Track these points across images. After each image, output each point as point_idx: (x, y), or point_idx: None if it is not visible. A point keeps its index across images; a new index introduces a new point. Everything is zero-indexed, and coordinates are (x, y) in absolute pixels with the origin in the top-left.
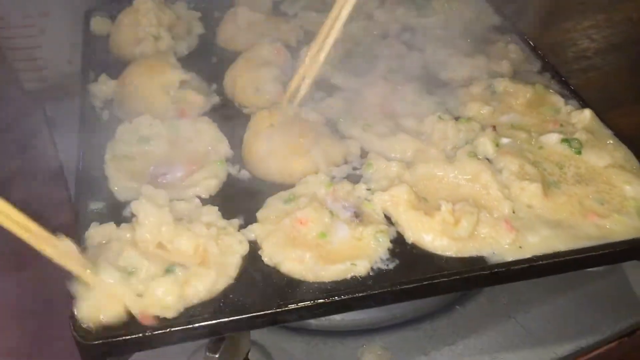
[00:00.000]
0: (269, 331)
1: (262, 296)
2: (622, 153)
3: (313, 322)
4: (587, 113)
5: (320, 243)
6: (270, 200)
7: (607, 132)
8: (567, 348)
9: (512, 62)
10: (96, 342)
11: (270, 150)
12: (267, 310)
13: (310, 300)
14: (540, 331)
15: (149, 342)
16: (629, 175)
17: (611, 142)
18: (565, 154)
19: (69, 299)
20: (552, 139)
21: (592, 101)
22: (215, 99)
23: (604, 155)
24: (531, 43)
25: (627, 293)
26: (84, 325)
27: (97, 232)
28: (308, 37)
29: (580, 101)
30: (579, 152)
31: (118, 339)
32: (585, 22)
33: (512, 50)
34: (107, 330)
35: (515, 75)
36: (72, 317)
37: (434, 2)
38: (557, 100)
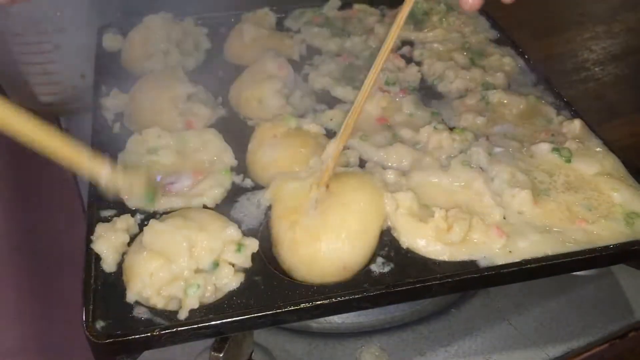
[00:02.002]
0: (272, 333)
1: (264, 298)
2: (610, 161)
3: (314, 324)
4: (577, 123)
5: None
6: None
7: (597, 141)
8: (559, 349)
9: (506, 74)
10: (107, 340)
11: (273, 159)
12: (268, 311)
13: (309, 302)
14: (533, 333)
15: (157, 341)
16: (617, 183)
17: (601, 150)
18: (555, 162)
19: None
20: (543, 148)
21: (591, 111)
22: (221, 112)
23: (593, 163)
24: (526, 56)
25: (619, 296)
26: (96, 326)
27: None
28: (310, 51)
29: (572, 112)
30: (569, 161)
31: (128, 337)
32: (584, 33)
33: (507, 63)
34: (118, 330)
35: (510, 87)
36: (84, 317)
37: (432, 17)
38: (549, 111)
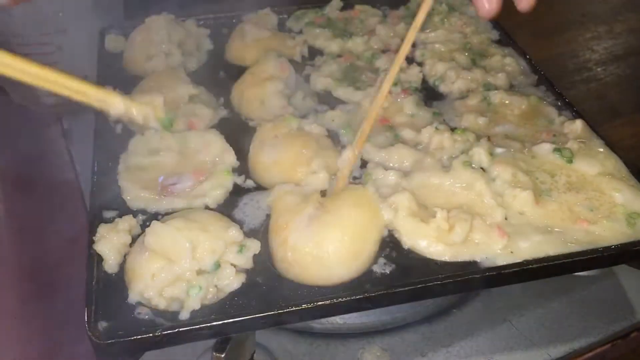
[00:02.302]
0: (273, 333)
1: (266, 298)
2: (612, 162)
3: (316, 325)
4: (579, 123)
5: None
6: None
7: (599, 141)
8: (560, 350)
9: (508, 74)
10: (110, 341)
11: (275, 160)
12: (270, 312)
13: (310, 303)
14: (535, 334)
15: (159, 342)
16: (619, 183)
17: (602, 151)
18: (557, 163)
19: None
20: (545, 148)
21: (592, 112)
22: (223, 112)
23: (595, 163)
24: (527, 56)
25: (621, 297)
26: (99, 326)
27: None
28: (312, 52)
29: (573, 112)
30: (571, 161)
31: (130, 338)
32: (586, 33)
33: (508, 63)
34: (120, 330)
35: (511, 88)
36: (87, 318)
37: (434, 17)
38: (551, 111)
